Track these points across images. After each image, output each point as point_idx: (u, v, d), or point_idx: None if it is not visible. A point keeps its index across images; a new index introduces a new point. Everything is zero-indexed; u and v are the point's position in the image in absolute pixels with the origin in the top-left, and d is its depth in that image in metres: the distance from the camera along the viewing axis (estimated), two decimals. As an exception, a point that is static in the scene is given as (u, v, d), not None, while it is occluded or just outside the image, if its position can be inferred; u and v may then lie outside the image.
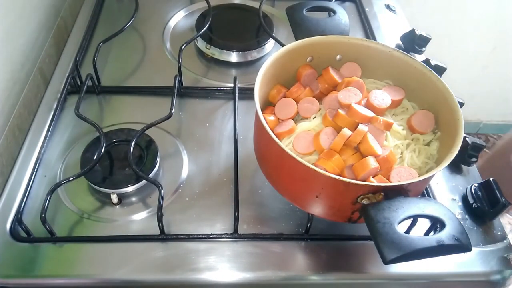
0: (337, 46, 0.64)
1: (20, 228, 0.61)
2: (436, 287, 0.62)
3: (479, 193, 0.67)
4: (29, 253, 0.59)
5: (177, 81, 0.77)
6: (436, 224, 0.60)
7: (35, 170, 0.68)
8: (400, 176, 0.56)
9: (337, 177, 0.49)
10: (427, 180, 0.54)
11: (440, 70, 0.77)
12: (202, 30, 0.85)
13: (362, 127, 0.57)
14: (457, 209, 0.67)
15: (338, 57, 0.69)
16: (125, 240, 0.61)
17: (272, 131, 0.55)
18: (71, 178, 0.63)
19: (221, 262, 0.59)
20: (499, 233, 0.65)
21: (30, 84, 0.85)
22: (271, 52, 0.90)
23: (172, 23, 0.96)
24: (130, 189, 0.65)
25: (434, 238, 0.46)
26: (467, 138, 0.71)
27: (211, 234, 0.62)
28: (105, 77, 0.83)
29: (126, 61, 0.87)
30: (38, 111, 0.76)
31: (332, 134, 0.58)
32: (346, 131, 0.56)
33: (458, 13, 1.55)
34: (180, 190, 0.67)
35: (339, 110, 0.59)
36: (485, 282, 0.61)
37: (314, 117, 0.63)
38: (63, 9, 1.01)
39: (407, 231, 0.62)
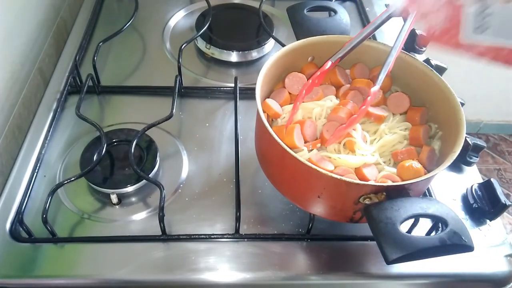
0: (338, 46, 0.64)
1: (21, 229, 0.61)
2: (437, 287, 0.62)
3: (480, 193, 0.67)
4: (29, 253, 0.59)
5: (177, 81, 0.77)
6: (438, 224, 0.61)
7: (36, 170, 0.67)
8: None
9: (339, 177, 0.49)
10: (430, 179, 0.54)
11: (440, 70, 0.77)
12: (202, 30, 0.85)
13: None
14: (457, 209, 0.67)
15: (338, 56, 0.68)
16: (127, 241, 0.61)
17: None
18: (73, 179, 0.62)
19: (221, 263, 0.59)
20: (499, 233, 0.65)
21: (29, 84, 0.84)
22: (271, 52, 0.90)
23: (172, 23, 0.96)
24: (130, 189, 0.65)
25: (436, 238, 0.46)
26: (467, 138, 0.70)
27: (213, 234, 0.62)
28: (105, 77, 0.83)
29: (126, 61, 0.87)
30: (38, 111, 0.76)
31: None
32: None
33: (458, 13, 1.55)
34: (180, 190, 0.67)
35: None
36: (486, 282, 0.61)
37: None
38: (63, 9, 1.00)
39: (409, 231, 0.62)
